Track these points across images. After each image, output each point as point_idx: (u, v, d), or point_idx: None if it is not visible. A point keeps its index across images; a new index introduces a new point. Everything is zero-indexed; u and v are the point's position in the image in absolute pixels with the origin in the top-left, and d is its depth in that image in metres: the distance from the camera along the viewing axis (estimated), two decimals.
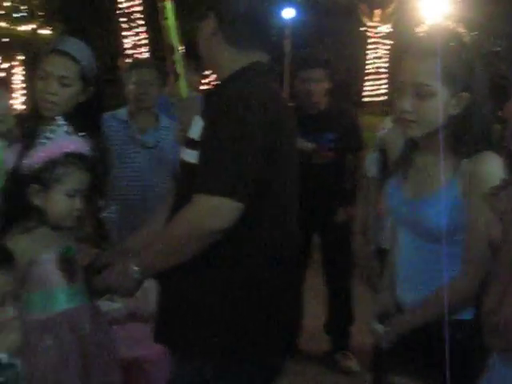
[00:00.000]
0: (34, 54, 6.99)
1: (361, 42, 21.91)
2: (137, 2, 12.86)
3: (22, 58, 8.23)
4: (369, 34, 22.27)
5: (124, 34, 10.26)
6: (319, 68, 4.85)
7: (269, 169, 2.33)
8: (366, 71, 22.25)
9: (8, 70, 7.81)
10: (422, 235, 2.44)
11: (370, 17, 22.17)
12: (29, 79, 6.93)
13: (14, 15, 7.98)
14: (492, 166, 2.33)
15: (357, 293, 5.04)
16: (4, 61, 7.42)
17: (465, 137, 2.36)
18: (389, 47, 21.87)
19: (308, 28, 18.39)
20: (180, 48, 2.97)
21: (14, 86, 7.92)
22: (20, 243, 2.52)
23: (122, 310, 2.99)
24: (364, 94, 22.00)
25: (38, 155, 2.56)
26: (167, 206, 2.57)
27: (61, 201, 2.58)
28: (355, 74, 21.32)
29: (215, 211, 2.26)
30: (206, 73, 6.11)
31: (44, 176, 2.56)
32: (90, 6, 10.04)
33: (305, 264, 4.77)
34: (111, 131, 4.25)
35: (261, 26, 2.46)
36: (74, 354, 2.59)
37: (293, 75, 5.03)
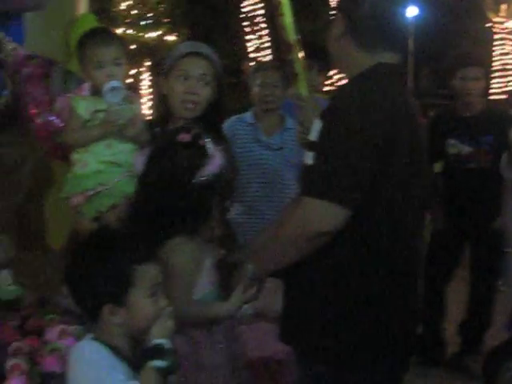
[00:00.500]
0: (161, 59, 7.15)
1: (487, 38, 21.35)
2: (259, 6, 13.03)
3: (149, 63, 8.43)
4: (495, 29, 21.68)
5: (247, 37, 10.36)
6: (478, 66, 4.79)
7: (383, 178, 2.31)
8: (493, 68, 21.66)
9: (135, 76, 8.02)
10: None
11: (496, 12, 21.58)
12: (156, 85, 7.08)
13: (141, 23, 8.19)
14: None
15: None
16: (132, 67, 7.63)
17: None
18: None
19: (431, 26, 18.10)
20: (298, 47, 2.97)
21: (141, 91, 8.14)
22: (188, 247, 2.60)
23: (248, 309, 3.01)
24: (491, 91, 21.42)
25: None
26: (292, 206, 2.59)
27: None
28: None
29: (321, 215, 2.29)
30: (330, 73, 6.10)
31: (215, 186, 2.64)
32: (213, 12, 10.21)
33: (452, 272, 4.74)
34: (237, 134, 4.32)
35: (388, 26, 2.45)
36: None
37: (450, 74, 4.93)
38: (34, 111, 3.54)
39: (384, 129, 2.29)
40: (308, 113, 2.81)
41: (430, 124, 4.90)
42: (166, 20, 8.53)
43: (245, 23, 11.03)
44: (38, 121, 3.53)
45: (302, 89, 2.94)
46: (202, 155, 2.61)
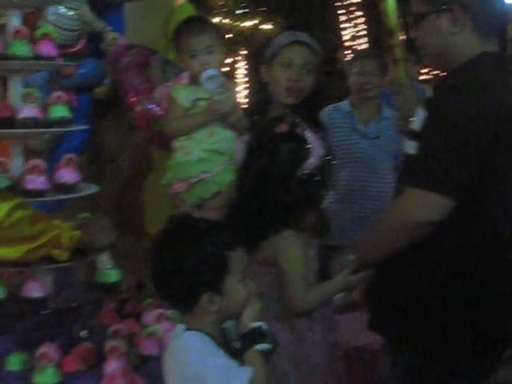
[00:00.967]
0: (259, 48, 7.18)
1: None
2: None
3: (245, 52, 8.46)
4: None
5: (342, 25, 10.27)
6: None
7: (489, 169, 2.29)
8: None
9: (231, 65, 8.07)
10: None
11: None
12: (254, 73, 7.10)
13: (237, 12, 8.23)
14: None
15: None
16: (228, 56, 7.69)
17: None
18: None
19: None
20: (400, 33, 2.94)
21: (237, 80, 8.17)
22: (298, 239, 2.61)
23: (342, 299, 3.01)
24: None
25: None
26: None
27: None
28: None
29: (424, 205, 2.29)
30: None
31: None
32: (308, 0, 10.18)
33: None
34: (334, 122, 4.31)
35: (498, 12, 2.44)
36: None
37: None
38: (133, 99, 3.62)
39: (489, 120, 2.26)
40: (407, 99, 2.78)
41: None
42: (261, 9, 8.53)
43: (340, 11, 10.95)
44: (138, 109, 3.60)
45: (402, 74, 2.91)
46: (303, 148, 2.61)
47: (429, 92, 3.80)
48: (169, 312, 2.76)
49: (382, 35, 3.17)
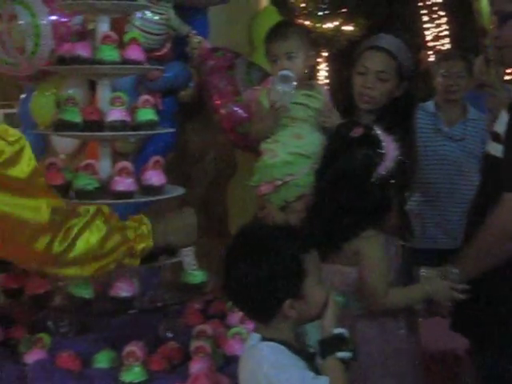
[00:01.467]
0: (338, 50, 7.16)
1: None
2: None
3: (326, 54, 8.43)
4: None
5: (425, 26, 10.15)
6: None
7: None
8: None
9: (313, 67, 8.06)
10: None
11: None
12: (339, 75, 7.08)
13: (318, 13, 8.20)
14: None
15: None
16: (314, 59, 7.69)
17: None
18: None
19: None
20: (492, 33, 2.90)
21: (319, 82, 8.15)
22: (380, 239, 2.62)
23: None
24: None
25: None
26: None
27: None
28: None
29: None
30: None
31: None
32: (390, 0, 10.09)
33: None
34: (419, 123, 4.26)
35: None
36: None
37: None
38: (218, 102, 3.65)
39: None
40: (499, 100, 2.75)
41: None
42: (343, 10, 8.49)
43: (422, 11, 10.82)
44: (223, 111, 3.64)
45: (494, 76, 2.88)
46: (378, 153, 2.59)
47: None
48: None
49: (465, 35, 3.13)
